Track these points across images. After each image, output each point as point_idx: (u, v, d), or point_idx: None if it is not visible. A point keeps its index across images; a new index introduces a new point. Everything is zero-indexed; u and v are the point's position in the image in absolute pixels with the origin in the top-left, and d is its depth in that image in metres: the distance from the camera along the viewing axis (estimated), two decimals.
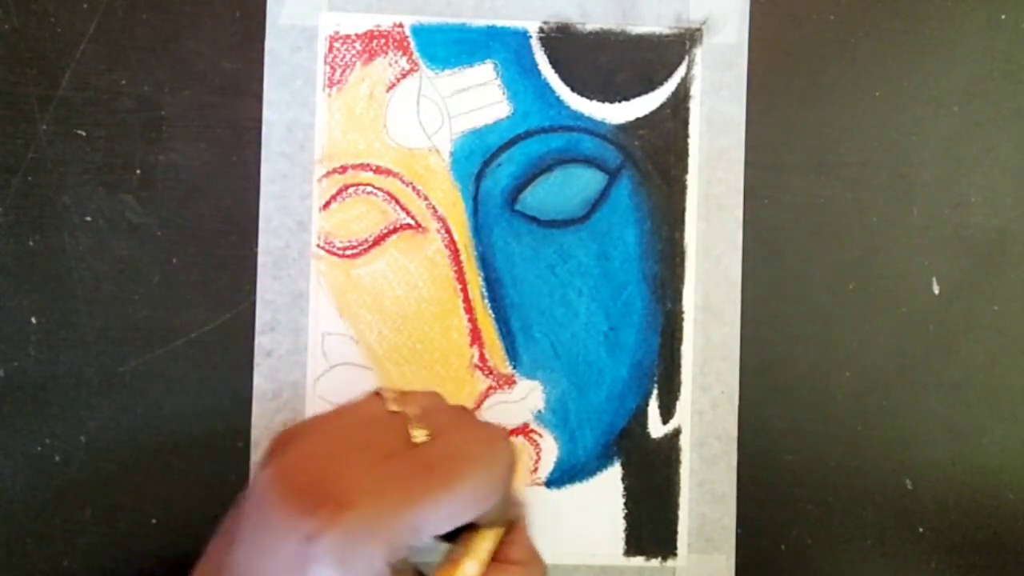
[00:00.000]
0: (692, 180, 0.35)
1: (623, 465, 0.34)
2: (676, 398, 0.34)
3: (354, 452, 0.24)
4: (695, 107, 0.35)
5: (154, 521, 0.34)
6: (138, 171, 0.34)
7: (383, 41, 0.34)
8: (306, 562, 0.22)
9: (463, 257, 0.34)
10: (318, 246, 0.34)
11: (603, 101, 0.35)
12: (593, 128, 0.35)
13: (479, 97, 0.34)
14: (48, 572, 0.34)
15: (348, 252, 0.34)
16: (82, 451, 0.34)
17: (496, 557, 0.26)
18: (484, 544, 0.25)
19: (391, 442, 0.25)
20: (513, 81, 0.34)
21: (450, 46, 0.34)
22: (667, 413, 0.34)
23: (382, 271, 0.34)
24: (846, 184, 0.35)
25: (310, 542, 0.22)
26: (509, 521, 0.27)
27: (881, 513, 0.35)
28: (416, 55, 0.34)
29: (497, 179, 0.34)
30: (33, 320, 0.34)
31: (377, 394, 0.26)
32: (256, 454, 0.33)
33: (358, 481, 0.23)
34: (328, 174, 0.34)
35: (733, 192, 0.35)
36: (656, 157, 0.35)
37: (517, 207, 0.34)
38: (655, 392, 0.34)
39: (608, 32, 0.35)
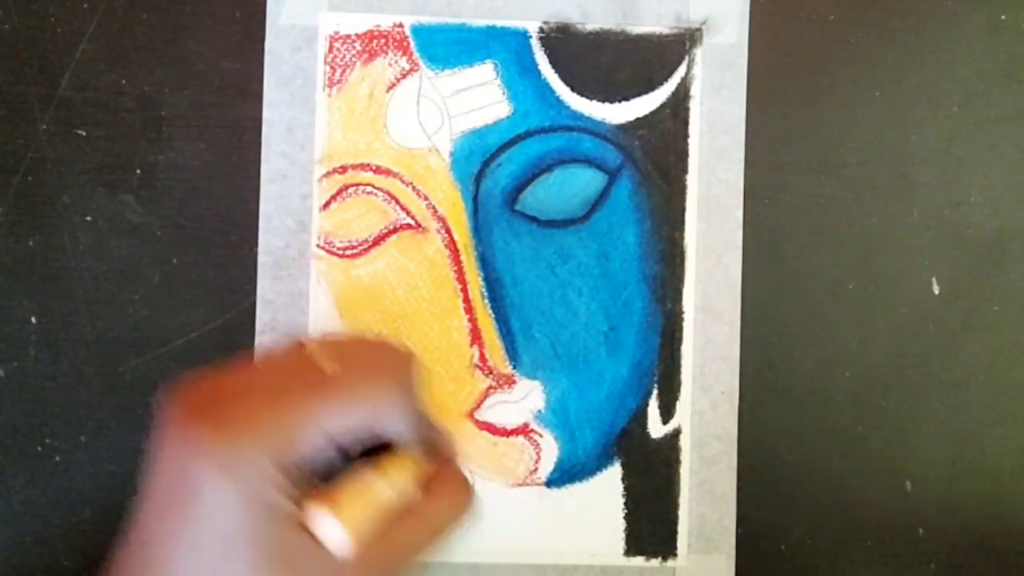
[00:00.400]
0: (692, 180, 0.35)
1: (623, 465, 0.34)
2: (676, 398, 0.34)
3: (257, 381, 0.25)
4: (695, 107, 0.35)
5: None
6: (138, 171, 0.34)
7: (383, 41, 0.34)
8: (189, 467, 0.22)
9: (463, 257, 0.34)
10: (318, 246, 0.34)
11: (603, 101, 0.35)
12: (593, 128, 0.35)
13: (479, 97, 0.34)
14: (48, 572, 0.34)
15: (348, 252, 0.34)
16: (82, 451, 0.34)
17: (423, 487, 0.26)
18: (400, 469, 0.25)
19: (299, 375, 0.25)
20: (513, 81, 0.34)
21: (450, 46, 0.34)
22: (667, 413, 0.34)
23: (382, 271, 0.34)
24: (846, 184, 0.35)
25: (194, 448, 0.22)
26: (438, 453, 0.27)
27: (881, 513, 0.35)
28: (416, 55, 0.34)
29: (497, 179, 0.34)
30: (33, 320, 0.34)
31: (300, 344, 0.27)
32: None
33: (250, 397, 0.24)
34: (328, 174, 0.34)
35: (733, 192, 0.35)
36: (656, 157, 0.35)
37: (517, 207, 0.34)
38: (655, 392, 0.34)
39: (608, 32, 0.35)
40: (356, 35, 0.34)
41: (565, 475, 0.34)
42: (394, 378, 0.26)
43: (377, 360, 0.27)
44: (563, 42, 0.35)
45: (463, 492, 0.27)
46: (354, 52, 0.34)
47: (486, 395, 0.34)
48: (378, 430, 0.25)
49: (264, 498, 0.22)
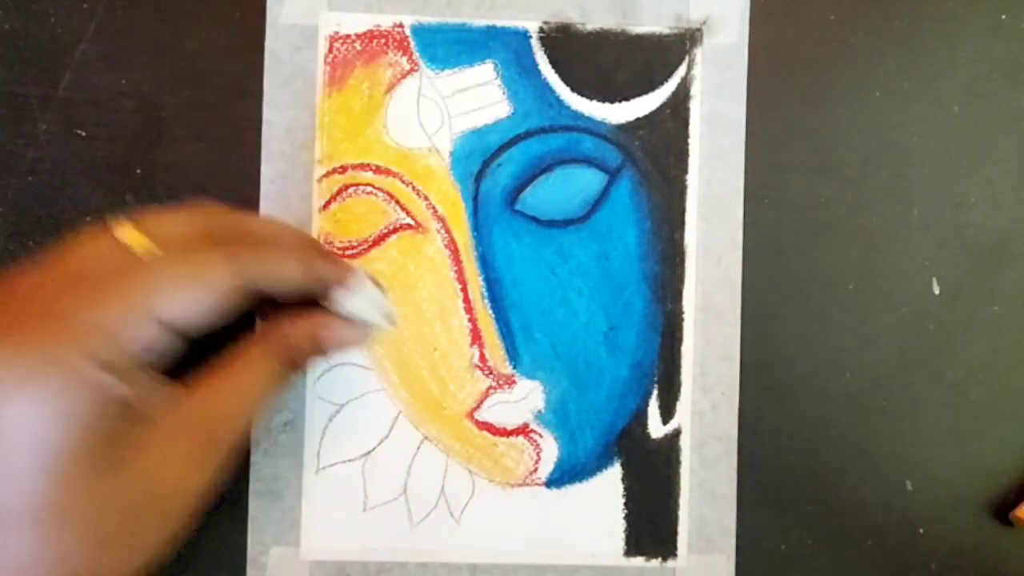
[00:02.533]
0: (692, 180, 0.35)
1: (623, 465, 0.34)
2: (676, 398, 0.34)
3: (58, 275, 0.23)
4: (695, 107, 0.35)
5: None
6: (138, 171, 0.34)
7: (383, 41, 0.34)
8: None
9: (463, 257, 0.34)
10: None
11: (603, 101, 0.35)
12: (593, 128, 0.35)
13: (479, 97, 0.34)
14: None
15: (348, 252, 0.34)
16: None
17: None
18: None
19: (108, 263, 0.24)
20: (513, 81, 0.34)
21: (450, 46, 0.34)
22: (667, 413, 0.34)
23: (382, 271, 0.34)
24: (846, 184, 0.35)
25: None
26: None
27: (881, 513, 0.35)
28: (416, 55, 0.34)
29: (497, 179, 0.34)
30: None
31: (106, 227, 0.25)
32: (256, 453, 0.33)
33: (54, 294, 0.22)
34: (328, 174, 0.34)
35: (733, 192, 0.35)
36: (656, 157, 0.35)
37: (517, 207, 0.34)
38: (655, 392, 0.34)
39: (608, 32, 0.35)
40: (356, 35, 0.34)
41: (565, 475, 0.34)
42: (193, 261, 0.25)
43: (198, 232, 0.26)
44: (563, 42, 0.35)
45: (268, 363, 0.27)
46: (354, 52, 0.34)
47: (486, 395, 0.34)
48: (221, 302, 0.24)
49: (85, 402, 0.21)
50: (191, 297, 0.24)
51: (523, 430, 0.34)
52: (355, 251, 0.34)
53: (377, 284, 0.32)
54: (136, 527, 0.23)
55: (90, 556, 0.21)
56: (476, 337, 0.34)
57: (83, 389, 0.21)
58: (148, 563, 0.24)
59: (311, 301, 0.30)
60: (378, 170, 0.34)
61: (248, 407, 0.27)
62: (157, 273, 0.24)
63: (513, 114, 0.34)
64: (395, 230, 0.34)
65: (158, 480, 0.23)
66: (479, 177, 0.34)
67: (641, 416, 0.34)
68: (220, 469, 0.25)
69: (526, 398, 0.34)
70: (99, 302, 0.22)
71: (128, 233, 0.25)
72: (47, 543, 0.21)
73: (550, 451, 0.34)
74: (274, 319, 0.29)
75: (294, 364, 0.29)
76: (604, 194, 0.35)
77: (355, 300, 0.30)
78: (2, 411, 0.20)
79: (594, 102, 0.35)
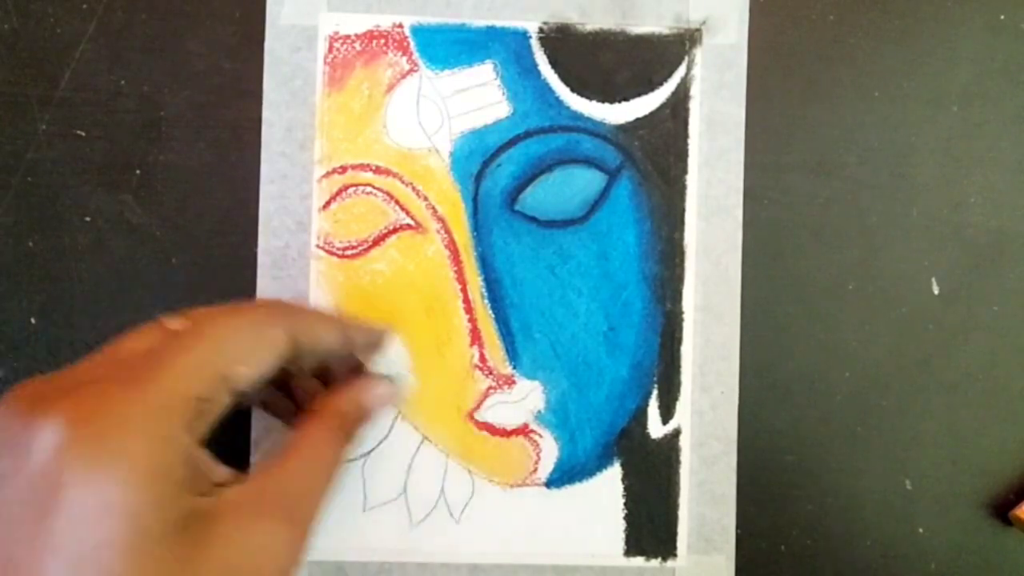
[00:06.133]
0: (692, 180, 0.35)
1: (623, 465, 0.34)
2: (676, 398, 0.34)
3: (121, 356, 0.22)
4: (695, 107, 0.35)
5: None
6: (138, 171, 0.34)
7: (383, 41, 0.34)
8: (58, 478, 0.19)
9: (463, 257, 0.34)
10: (318, 246, 0.34)
11: (603, 101, 0.35)
12: (593, 128, 0.35)
13: (479, 97, 0.34)
14: None
15: (348, 252, 0.34)
16: None
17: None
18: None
19: (152, 343, 0.23)
20: (513, 81, 0.34)
21: (450, 46, 0.34)
22: (667, 413, 0.34)
23: (382, 271, 0.34)
24: (846, 184, 0.35)
25: (55, 447, 0.19)
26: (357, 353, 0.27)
27: (881, 513, 0.35)
28: (416, 55, 0.34)
29: (497, 179, 0.34)
30: (33, 320, 0.34)
31: (158, 321, 0.25)
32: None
33: (99, 375, 0.21)
34: (328, 174, 0.34)
35: (733, 192, 0.35)
36: (656, 157, 0.35)
37: (517, 207, 0.34)
38: (655, 392, 0.34)
39: (608, 32, 0.35)
40: (356, 35, 0.34)
41: (565, 475, 0.34)
42: (249, 316, 0.24)
43: (232, 309, 0.25)
44: (563, 42, 0.35)
45: (328, 446, 0.26)
46: (354, 52, 0.34)
47: (486, 395, 0.34)
48: (276, 361, 0.24)
49: (155, 473, 0.20)
50: (253, 350, 0.23)
51: (523, 430, 0.34)
52: (355, 251, 0.34)
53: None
54: None
55: None
56: (476, 337, 0.34)
57: (164, 466, 0.20)
58: None
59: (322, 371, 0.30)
60: (378, 170, 0.34)
61: (322, 484, 0.26)
62: (219, 326, 0.23)
63: (513, 114, 0.34)
64: (395, 230, 0.34)
65: (237, 563, 0.22)
66: (479, 177, 0.34)
67: (641, 416, 0.34)
68: (304, 550, 0.24)
69: (526, 398, 0.34)
70: (169, 369, 0.22)
71: (176, 321, 0.24)
72: None
73: (550, 451, 0.34)
74: (321, 394, 0.29)
75: (349, 435, 0.28)
76: (604, 194, 0.35)
77: (388, 357, 0.31)
78: (84, 491, 0.19)
79: (594, 102, 0.35)
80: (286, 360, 0.25)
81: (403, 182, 0.34)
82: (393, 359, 0.31)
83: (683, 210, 0.35)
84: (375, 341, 0.30)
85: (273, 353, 0.24)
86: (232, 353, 0.23)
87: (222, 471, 0.24)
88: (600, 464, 0.34)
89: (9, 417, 0.20)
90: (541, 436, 0.34)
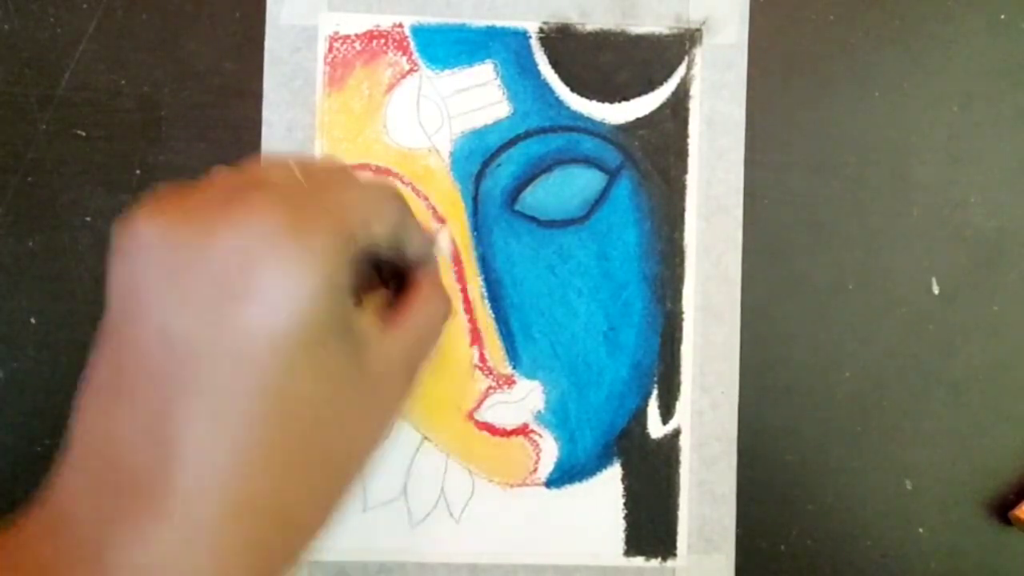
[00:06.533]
0: (692, 180, 0.35)
1: (623, 465, 0.34)
2: (676, 398, 0.34)
3: (246, 184, 0.22)
4: (695, 107, 0.35)
5: None
6: (138, 171, 0.34)
7: (383, 41, 0.34)
8: (252, 265, 0.19)
9: (463, 257, 0.34)
10: None
11: (603, 101, 0.35)
12: (593, 128, 0.35)
13: (479, 97, 0.34)
14: None
15: None
16: None
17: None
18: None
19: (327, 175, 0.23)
20: (513, 81, 0.34)
21: (450, 46, 0.34)
22: (667, 413, 0.34)
23: None
24: (846, 184, 0.35)
25: (252, 234, 0.19)
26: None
27: (881, 513, 0.35)
28: (416, 55, 0.34)
29: (497, 179, 0.34)
30: (33, 320, 0.34)
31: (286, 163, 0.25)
32: None
33: (271, 184, 0.21)
34: None
35: (733, 192, 0.35)
36: (656, 157, 0.35)
37: (517, 207, 0.34)
38: (655, 392, 0.34)
39: (608, 32, 0.35)
40: (356, 35, 0.34)
41: (565, 475, 0.34)
42: (381, 182, 0.25)
43: (357, 174, 0.26)
44: (563, 42, 0.35)
45: (438, 301, 0.26)
46: (354, 52, 0.34)
47: (486, 395, 0.34)
48: (384, 230, 0.24)
49: (335, 282, 0.20)
50: (386, 212, 0.23)
51: (523, 430, 0.34)
52: None
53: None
54: (368, 425, 0.22)
55: (336, 450, 0.21)
56: (476, 337, 0.34)
57: (334, 264, 0.20)
58: (368, 467, 0.23)
59: None
60: (378, 170, 0.34)
61: (438, 328, 0.26)
62: (369, 186, 0.23)
63: (513, 114, 0.34)
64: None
65: (383, 377, 0.22)
66: (479, 177, 0.34)
67: (641, 416, 0.34)
68: (416, 383, 0.25)
69: (526, 398, 0.34)
70: (344, 193, 0.22)
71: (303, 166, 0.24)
72: (299, 435, 0.20)
73: (550, 451, 0.34)
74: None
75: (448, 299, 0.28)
76: (604, 194, 0.35)
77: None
78: (276, 280, 0.19)
79: (594, 102, 0.35)
80: (391, 245, 0.25)
81: (403, 182, 0.34)
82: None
83: (683, 210, 0.35)
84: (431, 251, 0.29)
85: (395, 222, 0.24)
86: (373, 205, 0.23)
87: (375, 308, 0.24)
88: (600, 464, 0.34)
89: (190, 207, 0.20)
90: (541, 436, 0.34)
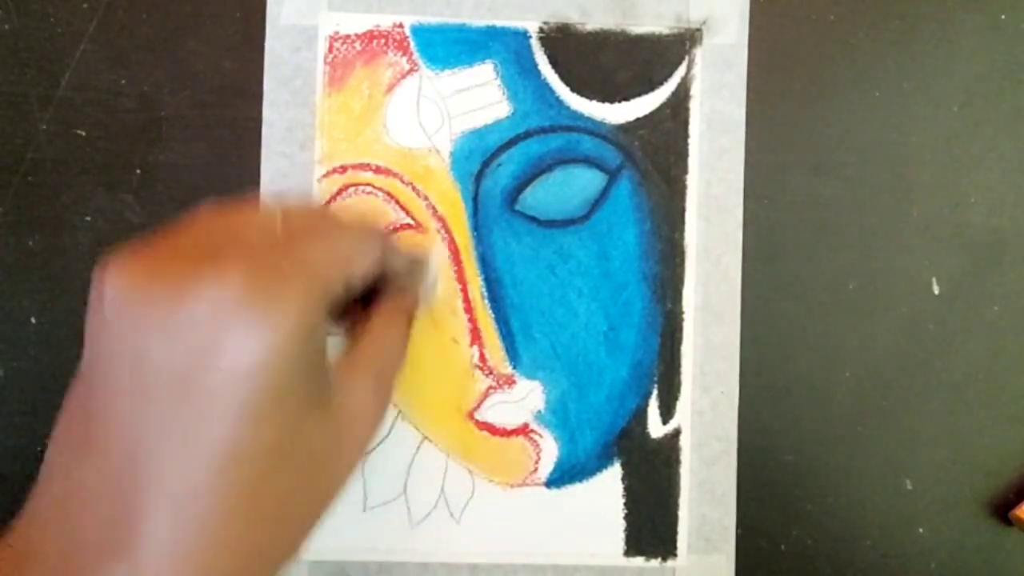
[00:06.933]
0: (692, 180, 0.35)
1: (623, 465, 0.34)
2: (676, 398, 0.34)
3: (221, 237, 0.22)
4: (695, 107, 0.35)
5: None
6: (138, 171, 0.34)
7: (383, 41, 0.34)
8: (219, 330, 0.19)
9: (463, 257, 0.34)
10: None
11: (603, 101, 0.35)
12: (593, 128, 0.35)
13: (479, 97, 0.34)
14: None
15: None
16: None
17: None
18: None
19: (307, 223, 0.24)
20: (513, 81, 0.34)
21: (450, 46, 0.34)
22: (667, 413, 0.34)
23: None
24: (846, 184, 0.35)
25: (220, 298, 0.19)
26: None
27: (881, 513, 0.35)
28: (416, 55, 0.34)
29: (497, 179, 0.34)
30: (33, 320, 0.34)
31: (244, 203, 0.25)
32: None
33: (241, 239, 0.22)
34: (328, 174, 0.34)
35: (733, 192, 0.35)
36: (656, 157, 0.35)
37: (517, 207, 0.34)
38: (655, 392, 0.34)
39: (608, 32, 0.35)
40: (356, 35, 0.34)
41: (565, 475, 0.34)
42: (359, 222, 0.25)
43: (334, 213, 0.26)
44: (563, 42, 0.35)
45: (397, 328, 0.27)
46: (354, 52, 0.34)
47: (486, 395, 0.34)
48: (364, 270, 0.25)
49: (303, 339, 0.20)
50: (366, 252, 0.24)
51: (523, 430, 0.34)
52: None
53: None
54: (336, 461, 0.23)
55: (303, 489, 0.22)
56: (476, 337, 0.34)
57: (302, 321, 0.21)
58: (338, 498, 0.24)
59: None
60: (378, 170, 0.34)
61: (401, 351, 0.27)
62: (338, 224, 0.24)
63: (513, 114, 0.34)
64: (395, 230, 0.34)
65: (350, 414, 0.23)
66: (479, 177, 0.34)
67: (641, 416, 0.34)
68: (387, 407, 0.26)
69: (526, 398, 0.34)
70: (315, 245, 0.22)
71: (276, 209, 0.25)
72: (266, 479, 0.20)
73: (550, 451, 0.34)
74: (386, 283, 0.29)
75: (411, 319, 0.29)
76: (604, 194, 0.35)
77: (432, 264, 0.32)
78: (245, 343, 0.19)
79: (594, 102, 0.35)
80: (372, 274, 0.26)
81: (403, 182, 0.34)
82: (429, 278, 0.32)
83: (683, 210, 0.35)
84: (418, 266, 0.30)
85: (373, 261, 0.25)
86: (352, 251, 0.24)
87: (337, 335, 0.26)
88: (600, 464, 0.34)
89: (175, 262, 0.20)
90: (541, 436, 0.34)
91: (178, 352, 0.19)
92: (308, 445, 0.22)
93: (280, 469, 0.21)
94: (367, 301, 0.28)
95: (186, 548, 0.19)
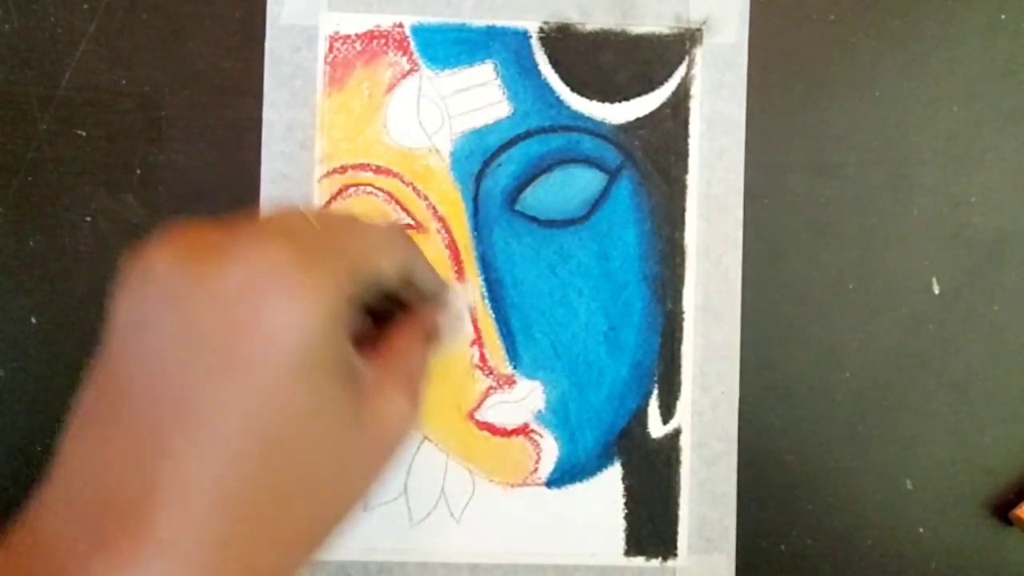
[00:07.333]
0: (692, 180, 0.35)
1: (623, 465, 0.34)
2: (676, 398, 0.34)
3: (262, 223, 0.22)
4: (695, 107, 0.35)
5: None
6: (138, 171, 0.34)
7: (383, 41, 0.34)
8: (252, 305, 0.19)
9: (463, 257, 0.34)
10: None
11: (603, 101, 0.35)
12: (593, 128, 0.35)
13: (479, 97, 0.34)
14: None
15: None
16: None
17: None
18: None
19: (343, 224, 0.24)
20: (513, 81, 0.34)
21: (450, 46, 0.34)
22: (667, 413, 0.34)
23: None
24: (846, 184, 0.35)
25: (254, 273, 0.19)
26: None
27: (881, 513, 0.35)
28: (416, 55, 0.34)
29: (497, 179, 0.34)
30: (33, 320, 0.34)
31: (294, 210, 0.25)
32: None
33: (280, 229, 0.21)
34: (328, 174, 0.34)
35: (733, 192, 0.35)
36: (656, 157, 0.35)
37: (517, 207, 0.34)
38: (655, 392, 0.34)
39: (608, 32, 0.35)
40: (356, 35, 0.34)
41: (565, 475, 0.34)
42: (388, 227, 0.25)
43: (364, 218, 0.26)
44: (563, 42, 0.35)
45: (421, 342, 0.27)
46: (354, 52, 0.34)
47: (486, 395, 0.34)
48: (392, 274, 0.25)
49: (339, 319, 0.20)
50: (393, 257, 0.24)
51: (523, 430, 0.34)
52: None
53: None
54: (366, 462, 0.23)
55: (330, 479, 0.21)
56: (476, 337, 0.34)
57: (339, 297, 0.21)
58: (362, 502, 0.23)
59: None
60: (378, 170, 0.34)
61: (424, 365, 0.27)
62: (378, 224, 0.24)
63: (513, 114, 0.34)
64: None
65: (381, 418, 0.23)
66: (479, 177, 0.34)
67: (641, 416, 0.34)
68: (417, 419, 0.25)
69: (526, 398, 0.34)
70: (352, 236, 0.22)
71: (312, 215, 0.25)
72: (292, 456, 0.20)
73: (550, 451, 0.34)
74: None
75: (431, 339, 0.29)
76: (604, 194, 0.35)
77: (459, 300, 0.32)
78: (265, 306, 0.19)
79: (594, 102, 0.35)
80: (401, 280, 0.25)
81: (403, 182, 0.34)
82: (462, 303, 0.33)
83: (683, 210, 0.35)
84: (443, 288, 0.30)
85: (402, 260, 0.25)
86: (383, 243, 0.24)
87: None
88: (600, 464, 0.34)
89: (197, 241, 0.20)
90: (541, 436, 0.34)
91: (213, 324, 0.19)
92: (339, 436, 0.21)
93: (309, 450, 0.20)
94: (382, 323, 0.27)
95: (199, 540, 0.19)
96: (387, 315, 0.27)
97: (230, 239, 0.20)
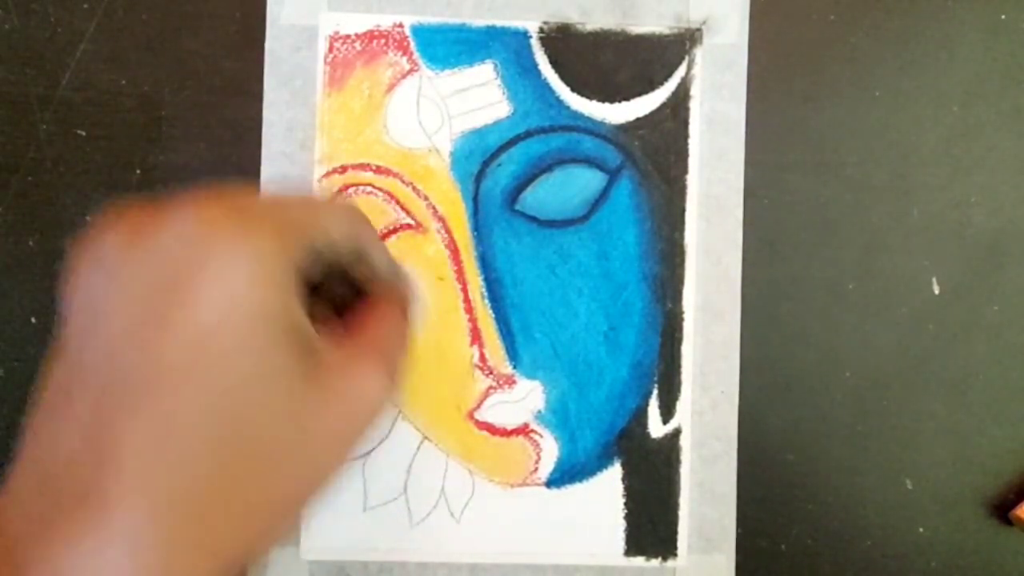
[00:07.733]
0: (692, 180, 0.35)
1: (623, 465, 0.34)
2: (676, 398, 0.34)
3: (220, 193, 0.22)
4: (695, 107, 0.35)
5: None
6: (138, 171, 0.34)
7: (383, 41, 0.34)
8: (194, 267, 0.19)
9: (463, 257, 0.34)
10: None
11: (603, 101, 0.35)
12: (593, 128, 0.35)
13: (479, 97, 0.34)
14: None
15: None
16: None
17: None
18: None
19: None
20: (513, 81, 0.34)
21: (450, 46, 0.34)
22: (667, 413, 0.34)
23: None
24: (846, 184, 0.35)
25: (197, 234, 0.19)
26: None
27: (881, 513, 0.35)
28: (416, 55, 0.34)
29: (497, 179, 0.34)
30: (33, 320, 0.34)
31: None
32: None
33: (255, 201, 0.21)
34: (328, 174, 0.34)
35: (733, 192, 0.35)
36: (656, 157, 0.35)
37: (517, 207, 0.34)
38: (655, 392, 0.34)
39: (608, 32, 0.35)
40: (356, 35, 0.34)
41: (565, 475, 0.34)
42: (343, 201, 0.25)
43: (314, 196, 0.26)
44: (563, 42, 0.35)
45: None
46: (354, 52, 0.34)
47: (486, 395, 0.34)
48: (345, 244, 0.24)
49: (284, 285, 0.20)
50: (346, 226, 0.23)
51: (523, 430, 0.34)
52: None
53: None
54: (330, 441, 0.22)
55: (287, 461, 0.20)
56: (476, 337, 0.34)
57: (277, 255, 0.20)
58: (333, 482, 0.22)
59: None
60: (378, 170, 0.34)
61: (403, 339, 0.26)
62: (325, 201, 0.24)
63: (513, 114, 0.34)
64: (395, 230, 0.34)
65: (347, 397, 0.22)
66: (479, 177, 0.34)
67: (641, 416, 0.34)
68: (394, 395, 0.24)
69: (526, 398, 0.34)
70: (298, 204, 0.22)
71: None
72: (243, 428, 0.19)
73: (550, 451, 0.34)
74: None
75: (407, 317, 0.28)
76: (604, 194, 0.35)
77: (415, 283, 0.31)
78: (202, 260, 0.19)
79: (594, 102, 0.35)
80: (351, 252, 0.25)
81: (403, 182, 0.34)
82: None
83: (683, 210, 0.35)
84: (398, 272, 0.29)
85: (348, 232, 0.24)
86: (327, 214, 0.23)
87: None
88: (600, 464, 0.34)
89: (136, 216, 0.20)
90: (541, 436, 0.34)
91: (153, 291, 0.19)
92: (293, 408, 0.20)
93: (261, 424, 0.20)
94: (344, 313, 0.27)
95: (151, 519, 0.18)
96: (349, 305, 0.26)
97: (169, 210, 0.20)
